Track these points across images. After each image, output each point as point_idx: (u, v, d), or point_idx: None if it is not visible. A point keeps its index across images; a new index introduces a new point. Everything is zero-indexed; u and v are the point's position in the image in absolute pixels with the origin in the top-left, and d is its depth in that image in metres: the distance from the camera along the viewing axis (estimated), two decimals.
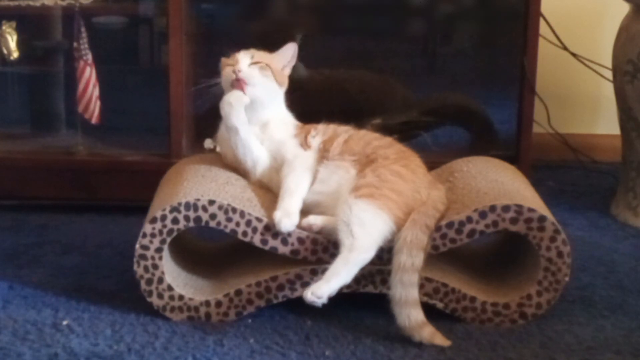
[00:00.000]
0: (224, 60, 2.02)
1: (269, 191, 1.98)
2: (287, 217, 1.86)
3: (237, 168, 2.00)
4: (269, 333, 1.83)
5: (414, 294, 1.76)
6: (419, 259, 1.77)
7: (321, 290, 1.76)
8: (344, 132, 2.01)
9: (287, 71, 2.03)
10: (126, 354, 1.74)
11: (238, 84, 1.96)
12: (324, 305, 1.79)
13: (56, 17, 2.69)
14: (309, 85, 2.06)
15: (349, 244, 1.79)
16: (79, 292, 2.01)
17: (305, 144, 1.98)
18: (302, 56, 2.10)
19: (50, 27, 2.74)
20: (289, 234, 1.85)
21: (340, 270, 1.78)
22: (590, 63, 2.87)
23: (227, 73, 1.98)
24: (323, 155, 1.97)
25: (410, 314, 1.75)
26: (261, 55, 2.00)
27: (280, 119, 2.02)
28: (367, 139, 1.99)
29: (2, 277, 2.09)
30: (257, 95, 1.97)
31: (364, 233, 1.79)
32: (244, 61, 1.97)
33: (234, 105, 1.94)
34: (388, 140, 2.01)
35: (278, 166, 1.98)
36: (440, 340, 1.76)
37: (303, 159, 1.96)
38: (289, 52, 2.03)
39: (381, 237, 1.81)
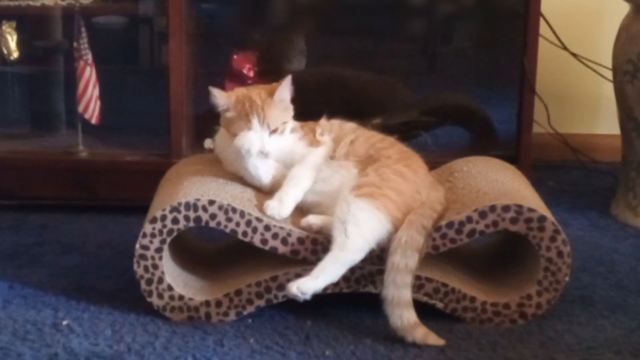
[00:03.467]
0: (220, 103, 1.92)
1: (269, 191, 1.98)
2: (279, 203, 1.86)
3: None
4: (269, 333, 1.83)
5: (406, 295, 1.76)
6: (413, 260, 1.77)
7: (307, 286, 1.76)
8: (351, 131, 2.00)
9: (290, 104, 1.96)
10: (126, 354, 1.74)
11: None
12: (324, 306, 1.80)
13: (56, 17, 2.69)
14: (310, 84, 2.06)
15: (341, 242, 1.78)
16: (79, 292, 2.01)
17: (315, 142, 1.97)
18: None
19: (50, 27, 2.74)
20: (289, 234, 1.85)
21: (329, 268, 1.78)
22: (590, 63, 2.87)
23: (242, 145, 1.89)
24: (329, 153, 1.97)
25: (403, 315, 1.75)
26: (272, 114, 1.89)
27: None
28: (372, 141, 1.99)
29: (2, 277, 2.09)
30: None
31: (357, 233, 1.79)
32: (265, 137, 1.89)
33: (251, 152, 1.89)
34: (391, 140, 2.01)
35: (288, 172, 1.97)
36: (434, 340, 1.76)
37: (314, 155, 1.95)
38: (288, 87, 1.93)
39: (375, 238, 1.81)
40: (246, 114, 1.90)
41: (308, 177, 1.93)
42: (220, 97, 1.92)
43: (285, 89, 1.93)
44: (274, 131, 1.91)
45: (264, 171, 1.93)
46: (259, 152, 1.90)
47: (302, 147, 1.96)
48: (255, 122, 1.89)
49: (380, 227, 1.81)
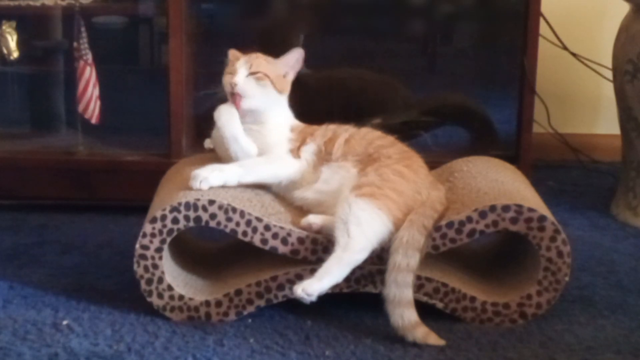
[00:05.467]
0: (229, 59, 2.01)
1: (268, 191, 1.98)
2: (208, 171, 1.88)
3: None
4: (269, 333, 1.83)
5: (408, 294, 1.76)
6: (414, 259, 1.77)
7: (312, 288, 1.76)
8: (344, 131, 2.00)
9: (290, 77, 2.01)
10: (126, 354, 1.74)
11: (234, 97, 1.95)
12: (324, 306, 1.79)
13: (56, 17, 2.69)
14: (310, 84, 2.06)
15: (344, 242, 1.78)
16: (79, 292, 2.01)
17: (295, 152, 1.97)
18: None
19: (50, 27, 2.74)
20: (289, 234, 1.85)
21: (333, 269, 1.78)
22: (590, 63, 2.87)
23: (225, 82, 1.98)
24: (325, 157, 1.96)
25: (404, 314, 1.75)
26: (260, 63, 1.97)
27: (277, 123, 2.00)
28: (370, 138, 1.99)
29: (2, 277, 2.09)
30: (253, 107, 1.96)
31: (360, 233, 1.79)
32: (241, 73, 1.96)
33: (228, 117, 1.94)
34: (390, 139, 2.00)
35: None
36: (434, 340, 1.76)
37: (283, 164, 1.96)
38: (293, 58, 2.01)
39: (377, 238, 1.80)
40: (237, 58, 1.99)
41: (258, 174, 1.94)
42: (232, 53, 2.03)
43: (290, 57, 2.00)
44: (253, 73, 1.96)
45: (241, 136, 1.94)
46: (232, 89, 1.94)
47: (283, 148, 1.97)
48: (241, 61, 1.97)
49: (382, 227, 1.81)
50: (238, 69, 1.97)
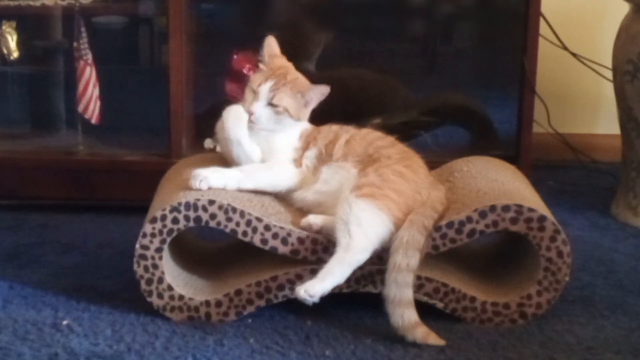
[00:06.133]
0: (264, 50, 1.98)
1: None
2: (212, 174, 1.87)
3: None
4: (269, 333, 1.83)
5: (408, 294, 1.76)
6: (414, 259, 1.77)
7: (314, 289, 1.76)
8: (345, 132, 2.00)
9: (311, 106, 1.98)
10: (126, 354, 1.74)
11: (249, 117, 1.93)
12: (324, 306, 1.79)
13: (56, 17, 2.69)
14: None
15: (345, 243, 1.78)
16: (79, 292, 2.01)
17: (298, 161, 1.97)
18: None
19: (50, 27, 2.74)
20: (289, 234, 1.85)
21: (335, 270, 1.78)
22: (590, 63, 2.87)
23: (245, 101, 1.95)
24: (325, 158, 1.96)
25: (404, 314, 1.75)
26: (283, 97, 1.92)
27: (287, 134, 1.98)
28: (370, 138, 1.98)
29: (2, 277, 2.09)
30: (264, 129, 1.95)
31: (361, 233, 1.79)
32: (261, 102, 1.92)
33: (236, 120, 1.92)
34: (390, 139, 2.00)
35: None
36: (434, 340, 1.76)
37: (283, 172, 1.95)
38: (319, 93, 1.96)
39: (378, 238, 1.80)
40: (271, 74, 1.95)
41: (258, 181, 1.93)
42: (271, 45, 2.00)
43: (316, 93, 1.96)
44: (272, 105, 1.93)
45: (246, 140, 1.93)
46: (245, 111, 1.92)
47: (286, 157, 1.96)
48: (265, 87, 1.93)
49: (383, 227, 1.81)
50: (260, 94, 1.93)
